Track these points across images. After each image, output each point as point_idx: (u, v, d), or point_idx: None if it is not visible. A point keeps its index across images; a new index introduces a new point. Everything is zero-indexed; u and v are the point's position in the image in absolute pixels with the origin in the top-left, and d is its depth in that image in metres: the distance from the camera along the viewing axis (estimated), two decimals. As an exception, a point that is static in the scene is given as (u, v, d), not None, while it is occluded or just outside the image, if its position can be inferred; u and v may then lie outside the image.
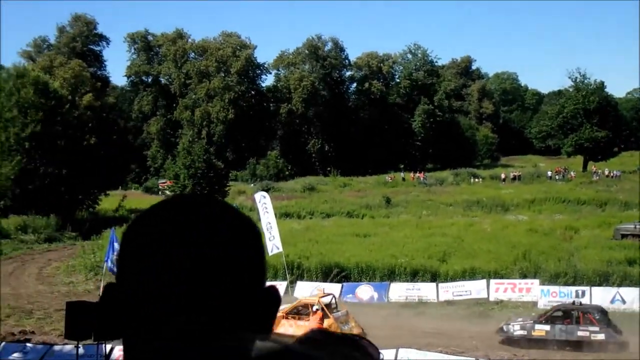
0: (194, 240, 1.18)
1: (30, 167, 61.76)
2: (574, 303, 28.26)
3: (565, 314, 27.38)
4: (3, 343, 25.46)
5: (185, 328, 1.15)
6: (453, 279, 35.64)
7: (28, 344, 25.62)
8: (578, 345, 26.41)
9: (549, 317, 27.53)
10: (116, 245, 30.15)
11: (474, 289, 34.20)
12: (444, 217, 59.77)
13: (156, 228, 1.21)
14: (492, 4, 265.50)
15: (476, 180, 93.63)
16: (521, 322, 27.74)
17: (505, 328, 27.70)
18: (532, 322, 27.59)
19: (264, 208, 37.75)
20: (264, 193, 42.54)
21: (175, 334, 1.15)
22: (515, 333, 27.32)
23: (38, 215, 58.35)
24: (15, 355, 24.23)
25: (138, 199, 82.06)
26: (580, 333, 26.51)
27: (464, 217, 59.46)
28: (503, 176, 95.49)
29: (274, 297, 1.26)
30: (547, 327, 27.06)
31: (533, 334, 27.13)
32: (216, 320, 1.17)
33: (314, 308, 27.04)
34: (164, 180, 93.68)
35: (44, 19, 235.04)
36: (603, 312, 27.42)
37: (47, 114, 63.38)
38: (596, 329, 26.31)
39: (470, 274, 35.69)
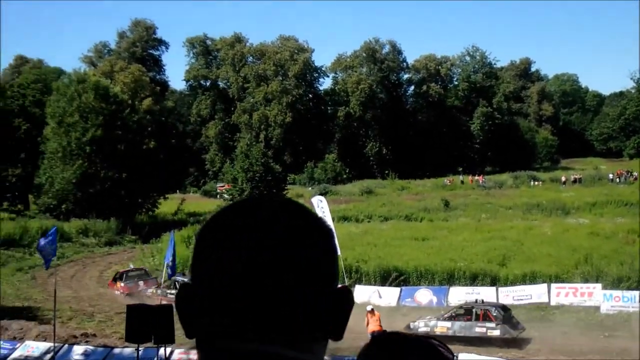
0: (267, 241, 1.19)
1: (91, 171, 62.67)
2: (476, 301, 29.87)
3: (467, 312, 28.89)
4: (65, 345, 25.79)
5: (259, 329, 1.16)
6: (513, 283, 35.20)
7: (89, 346, 25.91)
8: (475, 340, 27.59)
9: (452, 315, 29.22)
10: (172, 254, 30.45)
11: (535, 293, 33.71)
12: (504, 221, 59.00)
13: (230, 229, 1.22)
14: (552, 5, 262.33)
15: (536, 183, 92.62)
16: (426, 320, 29.43)
17: (411, 325, 29.16)
18: (435, 319, 29.25)
19: (322, 212, 37.69)
20: (321, 197, 42.53)
21: (251, 336, 1.16)
22: (420, 330, 28.42)
23: (99, 218, 59.14)
24: (77, 357, 24.51)
25: (197, 203, 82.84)
26: (477, 329, 28.05)
27: (524, 221, 58.58)
28: (563, 179, 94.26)
29: (346, 298, 1.25)
30: (449, 324, 28.73)
31: (435, 330, 28.49)
32: (289, 322, 1.17)
33: (368, 308, 26.95)
34: (222, 184, 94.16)
35: (105, 24, 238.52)
36: (504, 309, 28.95)
37: (107, 119, 64.27)
38: (492, 325, 27.81)
39: (530, 278, 35.22)
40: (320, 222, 1.30)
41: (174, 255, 30.62)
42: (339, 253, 1.16)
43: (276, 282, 1.17)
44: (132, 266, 43.55)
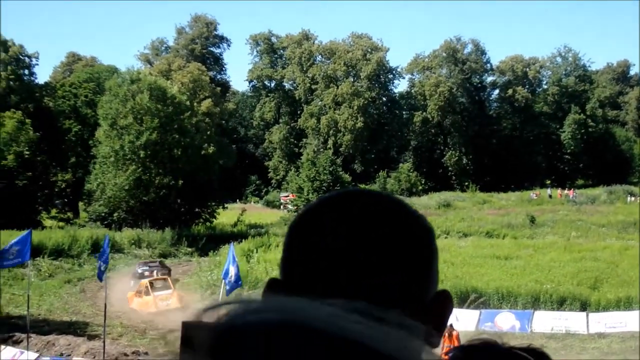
0: (364, 239, 1.23)
1: (145, 178, 63.53)
2: None
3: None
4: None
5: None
6: (605, 308, 34.71)
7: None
8: None
9: None
10: (232, 268, 30.49)
11: (630, 320, 33.14)
12: (596, 240, 58.42)
13: (325, 224, 1.27)
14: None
15: (633, 198, 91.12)
16: None
17: None
18: None
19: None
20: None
21: None
22: None
23: (152, 228, 59.85)
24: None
25: (258, 213, 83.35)
26: None
27: (619, 240, 57.90)
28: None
29: (444, 302, 1.29)
30: None
31: None
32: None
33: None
34: (286, 194, 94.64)
35: (164, 20, 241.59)
36: None
37: (163, 121, 65.04)
38: None
39: (625, 304, 34.69)
40: (421, 220, 1.34)
41: (237, 270, 30.70)
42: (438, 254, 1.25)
43: (372, 283, 1.21)
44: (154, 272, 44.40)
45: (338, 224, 1.25)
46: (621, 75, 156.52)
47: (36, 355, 26.56)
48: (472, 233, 65.11)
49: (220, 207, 72.70)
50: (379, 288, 1.21)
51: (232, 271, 30.12)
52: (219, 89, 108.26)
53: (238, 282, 30.21)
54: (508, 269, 43.34)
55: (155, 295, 39.35)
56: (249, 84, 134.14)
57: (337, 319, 0.82)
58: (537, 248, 53.42)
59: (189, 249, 58.85)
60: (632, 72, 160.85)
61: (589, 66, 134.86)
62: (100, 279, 29.26)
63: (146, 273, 44.16)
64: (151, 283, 40.60)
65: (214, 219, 71.44)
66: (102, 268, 27.89)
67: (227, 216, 73.49)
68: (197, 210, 69.20)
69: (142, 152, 63.27)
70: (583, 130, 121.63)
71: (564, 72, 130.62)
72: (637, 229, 64.55)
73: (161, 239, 58.74)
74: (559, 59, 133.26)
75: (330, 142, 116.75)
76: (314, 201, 1.36)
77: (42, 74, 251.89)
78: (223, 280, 31.53)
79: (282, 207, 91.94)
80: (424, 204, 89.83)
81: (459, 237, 62.99)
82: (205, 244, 58.29)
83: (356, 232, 1.23)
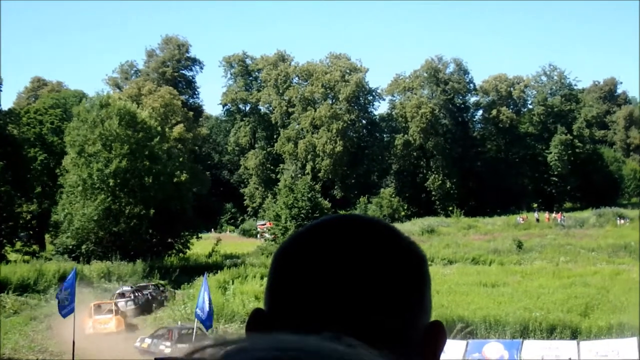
0: (354, 267, 1.23)
1: (114, 208, 63.23)
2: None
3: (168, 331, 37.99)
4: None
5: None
6: (597, 336, 34.82)
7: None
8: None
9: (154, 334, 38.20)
10: (206, 296, 30.30)
11: (622, 348, 33.23)
12: (586, 264, 58.73)
13: (316, 251, 1.27)
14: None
15: (623, 221, 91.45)
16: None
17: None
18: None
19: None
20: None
21: None
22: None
23: (123, 261, 59.51)
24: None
25: (234, 243, 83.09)
26: (161, 347, 35.79)
27: (610, 265, 58.25)
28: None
29: (438, 333, 1.29)
30: (150, 341, 36.98)
31: (142, 346, 36.75)
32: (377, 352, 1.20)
33: None
34: (263, 222, 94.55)
35: (133, 42, 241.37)
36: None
37: (133, 148, 64.82)
38: (168, 343, 36.08)
39: (617, 331, 34.80)
40: (414, 247, 1.35)
41: (209, 303, 30.56)
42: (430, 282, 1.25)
43: (361, 314, 1.21)
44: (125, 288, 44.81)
45: (330, 253, 1.25)
46: (608, 93, 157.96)
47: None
48: (457, 260, 65.30)
49: (194, 236, 72.37)
50: (373, 321, 1.21)
51: (205, 304, 30.00)
52: (191, 113, 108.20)
53: (210, 316, 30.11)
54: (495, 296, 43.46)
55: (95, 318, 40.32)
56: (223, 107, 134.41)
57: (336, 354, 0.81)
58: (525, 274, 53.66)
59: (162, 282, 58.53)
60: (619, 90, 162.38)
61: (575, 85, 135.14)
62: (62, 314, 29.07)
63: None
64: (98, 305, 41.70)
65: (187, 250, 71.15)
66: (65, 302, 27.67)
67: (201, 246, 73.20)
68: (169, 240, 68.96)
69: (112, 180, 62.95)
70: (570, 151, 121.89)
71: (549, 92, 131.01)
72: (628, 253, 64.91)
73: (132, 272, 58.37)
74: (544, 78, 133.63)
75: (308, 167, 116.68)
76: (304, 227, 1.37)
77: (6, 100, 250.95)
78: (195, 314, 31.47)
79: (258, 235, 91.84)
80: (407, 230, 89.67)
81: (443, 264, 63.09)
82: (179, 276, 58.08)
83: (349, 262, 1.23)
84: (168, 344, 35.97)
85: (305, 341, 0.80)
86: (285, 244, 1.34)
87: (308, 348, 0.78)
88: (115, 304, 44.09)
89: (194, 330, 34.00)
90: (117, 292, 49.13)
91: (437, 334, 1.28)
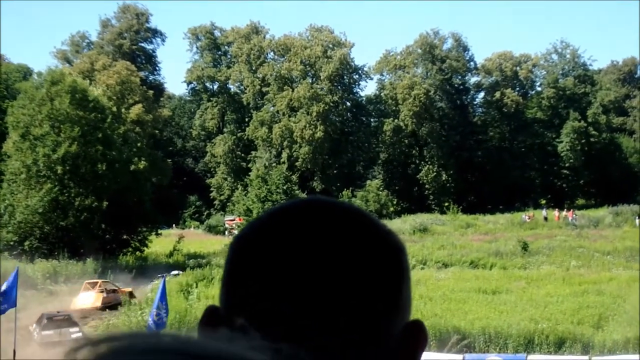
0: (325, 259, 1.21)
1: (63, 199, 63.12)
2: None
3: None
4: None
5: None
6: (611, 351, 35.09)
7: None
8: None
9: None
10: (161, 306, 30.17)
11: (639, 365, 33.54)
12: (600, 270, 59.00)
13: (274, 241, 1.25)
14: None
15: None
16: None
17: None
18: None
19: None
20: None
21: None
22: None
23: (72, 259, 59.38)
24: None
25: (199, 241, 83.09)
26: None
27: (627, 270, 58.51)
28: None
29: (416, 334, 1.27)
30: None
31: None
32: (338, 355, 1.19)
33: None
34: (232, 217, 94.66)
35: (85, 10, 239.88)
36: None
37: (85, 131, 64.62)
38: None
39: (634, 346, 35.07)
40: (391, 237, 1.32)
41: (166, 309, 30.48)
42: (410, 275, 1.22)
43: (327, 312, 1.19)
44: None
45: (293, 242, 1.23)
46: (628, 75, 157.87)
47: None
48: (453, 263, 65.48)
49: (153, 233, 72.39)
50: (341, 320, 1.19)
51: (161, 310, 29.82)
52: (151, 92, 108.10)
53: (164, 324, 29.80)
54: (496, 305, 43.63)
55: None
56: (188, 86, 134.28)
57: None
58: (530, 280, 53.88)
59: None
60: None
61: (591, 65, 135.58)
62: None
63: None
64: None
65: (145, 248, 71.18)
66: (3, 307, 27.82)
67: (161, 244, 73.20)
68: (125, 237, 68.97)
69: (60, 167, 62.83)
70: (584, 141, 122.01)
71: (560, 72, 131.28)
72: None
73: (82, 272, 58.18)
74: (554, 57, 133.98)
75: (284, 155, 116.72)
76: (264, 213, 1.34)
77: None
78: (149, 322, 31.15)
79: (226, 232, 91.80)
80: (397, 228, 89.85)
81: (438, 267, 63.33)
82: (136, 278, 58.05)
83: (315, 252, 1.21)
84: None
85: (196, 344, 0.79)
86: (243, 231, 1.33)
87: (194, 351, 0.77)
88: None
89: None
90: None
91: (417, 335, 1.26)
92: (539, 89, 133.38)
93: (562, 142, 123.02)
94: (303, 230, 1.24)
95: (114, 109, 72.70)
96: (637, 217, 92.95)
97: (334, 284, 1.20)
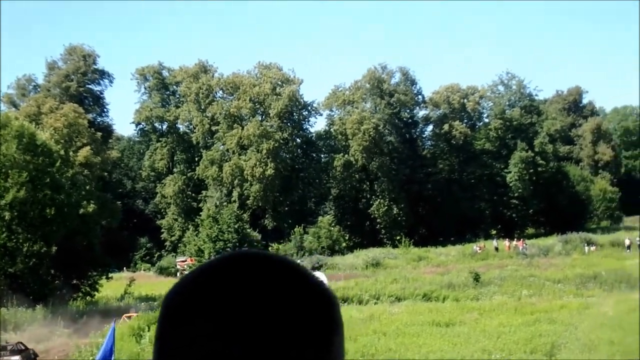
0: (252, 312, 1.21)
1: (10, 245, 62.33)
2: None
3: None
4: None
5: None
6: (565, 379, 35.09)
7: None
8: None
9: None
10: (108, 347, 29.74)
11: (594, 394, 33.56)
12: (551, 298, 59.22)
13: (205, 298, 1.24)
14: (607, 20, 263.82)
15: (592, 248, 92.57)
16: None
17: None
18: None
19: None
20: (321, 273, 42.27)
21: None
22: None
23: (20, 307, 58.63)
24: None
25: (150, 283, 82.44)
26: None
27: (578, 298, 58.88)
28: (628, 242, 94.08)
29: None
30: None
31: None
32: None
33: None
34: (183, 258, 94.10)
35: (31, 53, 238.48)
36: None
37: (33, 175, 63.97)
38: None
39: (586, 373, 35.12)
40: (321, 287, 1.32)
41: (110, 353, 30.01)
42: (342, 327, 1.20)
43: (276, 356, 1.20)
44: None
45: (225, 298, 1.22)
46: (573, 104, 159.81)
47: None
48: (406, 296, 65.34)
49: (104, 277, 71.69)
50: None
51: (109, 355, 29.40)
52: (99, 134, 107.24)
53: None
54: (450, 337, 43.53)
55: None
56: (136, 127, 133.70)
57: None
58: (483, 311, 53.84)
59: (66, 330, 57.82)
60: (585, 101, 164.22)
61: (536, 95, 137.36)
62: None
63: None
64: None
65: (96, 292, 70.51)
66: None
67: (112, 288, 72.59)
68: (75, 281, 68.24)
69: (8, 213, 62.14)
70: (532, 170, 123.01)
71: (507, 103, 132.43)
72: (598, 284, 65.67)
73: (31, 319, 57.47)
74: (501, 88, 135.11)
75: (235, 193, 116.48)
76: (197, 267, 1.34)
77: None
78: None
79: (178, 274, 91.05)
80: (349, 263, 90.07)
81: (391, 301, 63.14)
82: (86, 323, 57.38)
83: (246, 307, 1.21)
84: None
85: None
86: (176, 287, 1.31)
87: None
88: None
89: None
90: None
91: None
92: (486, 120, 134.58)
93: (510, 172, 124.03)
94: (236, 285, 1.23)
95: (62, 152, 71.97)
96: (585, 245, 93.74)
97: (266, 338, 1.19)
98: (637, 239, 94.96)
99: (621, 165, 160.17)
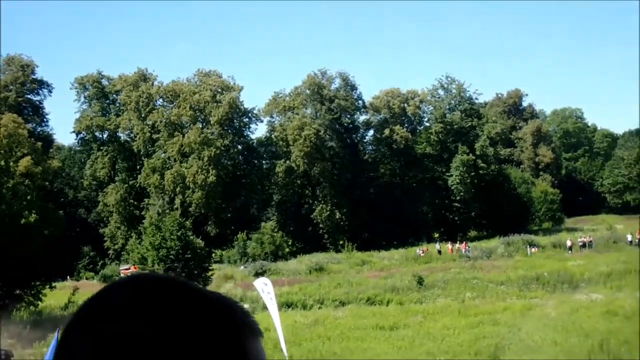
0: (145, 339, 1.19)
1: (-49, 256, 61.85)
2: None
3: None
4: None
5: None
6: (509, 380, 35.40)
7: None
8: None
9: None
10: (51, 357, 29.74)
11: (538, 394, 33.91)
12: (495, 300, 59.43)
13: (98, 325, 1.24)
14: (546, 22, 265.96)
15: (534, 249, 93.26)
16: None
17: None
18: None
19: (269, 298, 36.94)
20: (266, 280, 42.01)
21: None
22: None
23: (-37, 319, 58.27)
24: None
25: (94, 291, 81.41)
26: None
27: (520, 299, 59.15)
28: (569, 243, 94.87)
29: None
30: None
31: None
32: None
33: None
34: (126, 266, 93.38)
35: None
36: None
37: (-28, 186, 63.56)
38: None
39: (530, 374, 35.45)
40: (221, 303, 1.31)
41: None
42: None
43: None
44: None
45: (117, 325, 1.21)
46: (513, 107, 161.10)
47: None
48: (350, 300, 65.31)
49: (47, 286, 71.07)
50: None
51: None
52: (40, 144, 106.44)
53: None
54: (394, 340, 43.59)
55: None
56: (77, 136, 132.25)
57: None
58: (427, 314, 53.97)
59: (10, 341, 57.43)
60: (524, 104, 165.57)
61: (476, 98, 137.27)
62: None
63: None
64: None
65: (39, 302, 69.96)
66: None
67: (55, 297, 72.00)
68: (17, 292, 67.71)
69: (-53, 224, 61.81)
70: (473, 173, 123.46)
71: (447, 107, 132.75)
72: (541, 285, 66.20)
73: (-26, 331, 57.22)
74: (441, 92, 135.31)
75: (177, 201, 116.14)
76: (93, 295, 1.36)
77: None
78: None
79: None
80: (293, 269, 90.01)
81: (335, 306, 63.09)
82: (30, 333, 57.05)
83: (138, 334, 1.19)
84: None
85: None
86: (73, 316, 1.31)
87: None
88: None
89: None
90: None
91: None
92: (427, 124, 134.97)
93: (452, 175, 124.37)
94: (128, 311, 1.22)
95: (2, 162, 71.47)
96: (528, 246, 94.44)
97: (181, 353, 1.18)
98: (579, 240, 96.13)
99: (561, 167, 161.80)
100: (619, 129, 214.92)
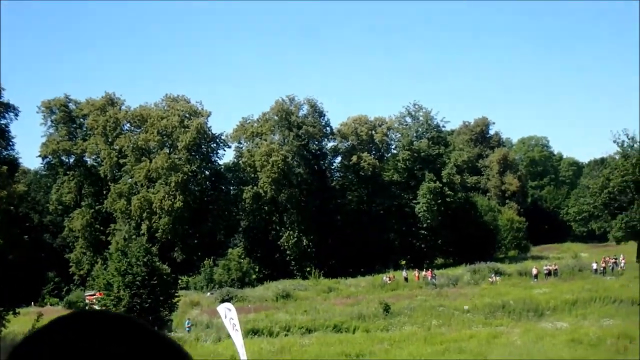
0: None
1: None
2: None
3: None
4: None
5: None
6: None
7: None
8: None
9: None
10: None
11: (501, 422, 33.85)
12: (461, 328, 59.51)
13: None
14: (512, 51, 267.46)
15: (500, 277, 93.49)
16: None
17: None
18: None
19: (231, 325, 36.77)
20: (229, 305, 41.72)
21: None
22: None
23: None
24: None
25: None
26: None
27: (486, 327, 59.23)
28: (535, 271, 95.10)
29: None
30: None
31: None
32: None
33: None
34: (92, 292, 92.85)
35: None
36: None
37: (-64, 211, 63.18)
38: None
39: (496, 403, 35.42)
40: (173, 349, 1.30)
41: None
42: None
43: None
44: None
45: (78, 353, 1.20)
46: (479, 135, 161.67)
47: None
48: (317, 327, 65.18)
49: (11, 312, 70.64)
50: None
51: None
52: (5, 167, 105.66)
53: None
54: (360, 368, 43.62)
55: None
56: (43, 160, 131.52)
57: None
58: (393, 341, 53.96)
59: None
60: (491, 132, 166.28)
61: (444, 126, 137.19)
62: None
63: None
64: None
65: (2, 328, 69.41)
66: None
67: (19, 323, 71.35)
68: (-19, 318, 67.24)
69: None
70: (440, 201, 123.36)
71: (415, 134, 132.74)
72: (507, 313, 66.26)
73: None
74: (408, 119, 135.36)
75: (144, 226, 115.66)
76: (37, 329, 1.35)
77: None
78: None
79: (87, 308, 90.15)
80: (259, 295, 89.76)
81: (301, 333, 62.92)
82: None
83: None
84: None
85: None
86: (16, 349, 1.31)
87: None
88: None
89: None
90: None
91: None
92: (394, 151, 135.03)
93: (419, 202, 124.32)
94: (75, 348, 1.21)
95: (-33, 187, 71.05)
96: (493, 274, 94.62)
97: None
98: (544, 268, 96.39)
99: (527, 195, 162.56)
100: (584, 158, 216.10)
